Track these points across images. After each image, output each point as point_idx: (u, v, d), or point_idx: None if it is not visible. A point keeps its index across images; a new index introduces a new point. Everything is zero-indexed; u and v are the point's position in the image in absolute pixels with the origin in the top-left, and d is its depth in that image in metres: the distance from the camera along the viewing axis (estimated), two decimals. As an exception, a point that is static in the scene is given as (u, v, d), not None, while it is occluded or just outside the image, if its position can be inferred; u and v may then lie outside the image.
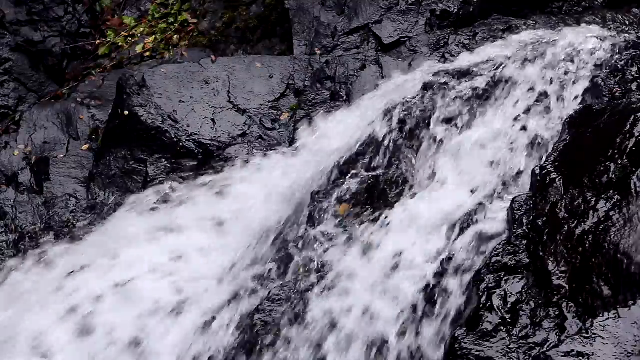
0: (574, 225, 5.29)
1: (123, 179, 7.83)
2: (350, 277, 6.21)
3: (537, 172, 5.75)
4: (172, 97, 7.85)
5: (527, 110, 6.74)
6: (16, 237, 7.74)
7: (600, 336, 4.65)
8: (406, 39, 7.98)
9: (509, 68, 7.06)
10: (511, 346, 5.08)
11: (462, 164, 6.62)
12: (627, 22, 7.62)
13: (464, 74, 7.18)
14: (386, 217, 6.45)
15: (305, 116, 7.77)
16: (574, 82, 6.75)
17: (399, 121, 6.95)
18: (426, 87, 7.14)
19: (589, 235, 5.18)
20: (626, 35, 7.21)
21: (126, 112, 7.82)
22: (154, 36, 9.04)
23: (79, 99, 8.46)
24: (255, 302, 6.31)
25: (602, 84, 6.63)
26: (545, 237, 5.37)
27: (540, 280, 5.25)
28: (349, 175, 6.80)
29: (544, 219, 5.46)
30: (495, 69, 7.12)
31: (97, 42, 9.13)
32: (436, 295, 5.70)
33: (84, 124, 8.28)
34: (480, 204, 6.14)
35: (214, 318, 6.31)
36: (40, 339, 6.40)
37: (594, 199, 5.32)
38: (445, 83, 7.13)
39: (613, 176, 5.33)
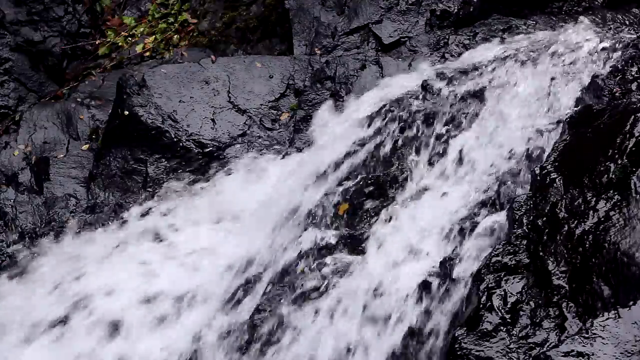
0: (574, 225, 5.28)
1: (123, 179, 7.83)
2: (349, 277, 6.22)
3: (537, 172, 5.75)
4: (172, 97, 7.85)
5: (527, 110, 6.74)
6: (16, 237, 7.74)
7: (600, 336, 4.65)
8: (406, 39, 7.98)
9: (509, 68, 7.06)
10: (511, 346, 5.08)
11: (462, 163, 6.62)
12: (627, 22, 7.62)
13: (464, 74, 7.18)
14: (386, 216, 6.46)
15: (305, 116, 7.77)
16: (573, 82, 6.75)
17: (399, 121, 6.95)
18: (426, 87, 7.14)
19: (589, 235, 5.18)
20: (626, 35, 7.21)
21: (126, 112, 7.82)
22: (154, 36, 9.04)
23: (79, 99, 8.46)
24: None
25: (602, 84, 6.62)
26: (545, 237, 5.37)
27: (540, 280, 5.25)
28: (349, 174, 6.81)
29: (544, 219, 5.46)
30: (495, 69, 7.12)
31: (97, 42, 9.12)
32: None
33: (84, 124, 8.28)
34: (482, 203, 6.16)
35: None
36: None
37: (594, 199, 5.32)
38: (446, 83, 7.14)
39: (613, 176, 5.33)
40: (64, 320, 6.81)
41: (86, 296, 6.90)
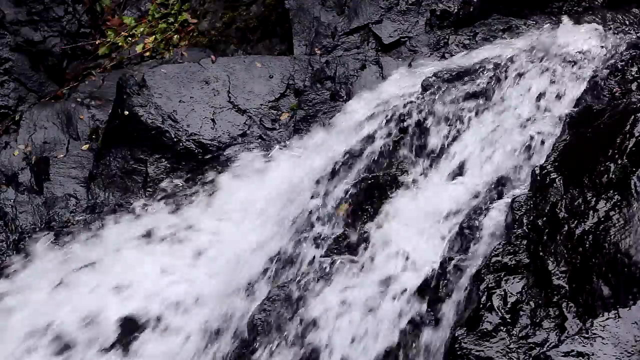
0: (574, 225, 5.28)
1: (123, 179, 7.83)
2: (349, 276, 6.22)
3: (537, 172, 5.75)
4: (172, 97, 7.85)
5: (527, 110, 6.74)
6: (16, 237, 7.73)
7: (600, 336, 4.65)
8: (406, 39, 7.98)
9: (509, 68, 7.06)
10: (511, 346, 5.08)
11: (462, 163, 6.62)
12: (627, 22, 7.61)
13: (464, 74, 7.18)
14: (386, 216, 6.45)
15: (305, 116, 7.77)
16: (573, 82, 6.75)
17: (398, 121, 6.95)
18: (426, 87, 7.14)
19: (589, 235, 5.18)
20: (626, 35, 7.20)
21: (126, 112, 7.82)
22: (154, 36, 9.04)
23: (79, 99, 8.46)
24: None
25: (602, 84, 6.62)
26: (545, 237, 5.37)
27: (540, 280, 5.25)
28: (349, 174, 6.81)
29: (544, 219, 5.46)
30: (495, 69, 7.12)
31: (97, 42, 9.12)
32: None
33: (84, 124, 8.28)
34: (482, 202, 6.16)
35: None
36: None
37: (594, 199, 5.32)
38: (445, 83, 7.13)
39: (613, 176, 5.33)
40: None
41: None
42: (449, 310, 5.64)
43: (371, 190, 6.61)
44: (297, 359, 6.01)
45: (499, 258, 5.43)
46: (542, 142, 6.45)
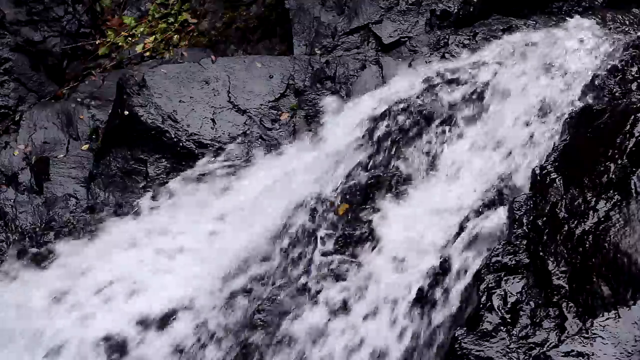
0: (574, 225, 5.28)
1: (123, 179, 7.83)
2: (349, 277, 6.23)
3: (537, 172, 5.75)
4: (172, 97, 7.85)
5: (527, 110, 6.74)
6: (16, 237, 7.73)
7: (600, 336, 4.65)
8: (406, 39, 7.98)
9: (509, 68, 7.07)
10: (511, 346, 5.08)
11: (462, 163, 6.63)
12: (627, 22, 7.62)
13: (463, 74, 7.18)
14: (387, 216, 6.46)
15: (305, 116, 7.78)
16: (573, 82, 6.75)
17: (398, 121, 6.95)
18: (426, 86, 7.14)
19: (589, 235, 5.18)
20: (626, 35, 7.21)
21: (126, 112, 7.82)
22: (154, 36, 9.04)
23: (79, 99, 8.47)
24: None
25: (602, 84, 6.62)
26: (545, 237, 5.37)
27: (540, 280, 5.25)
28: (349, 174, 6.81)
29: (544, 219, 5.46)
30: (494, 69, 7.12)
31: (97, 42, 9.13)
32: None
33: (84, 124, 8.29)
34: (482, 202, 6.16)
35: None
36: None
37: (594, 199, 5.32)
38: (445, 83, 7.14)
39: (613, 176, 5.33)
40: None
41: None
42: (448, 311, 5.65)
43: (371, 190, 6.62)
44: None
45: (499, 258, 5.43)
46: (541, 142, 6.45)
